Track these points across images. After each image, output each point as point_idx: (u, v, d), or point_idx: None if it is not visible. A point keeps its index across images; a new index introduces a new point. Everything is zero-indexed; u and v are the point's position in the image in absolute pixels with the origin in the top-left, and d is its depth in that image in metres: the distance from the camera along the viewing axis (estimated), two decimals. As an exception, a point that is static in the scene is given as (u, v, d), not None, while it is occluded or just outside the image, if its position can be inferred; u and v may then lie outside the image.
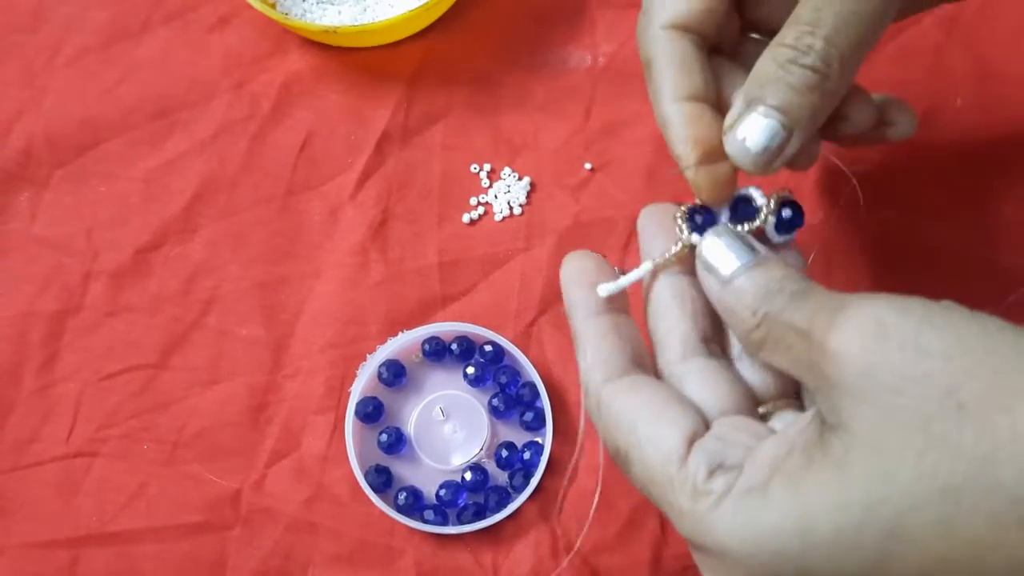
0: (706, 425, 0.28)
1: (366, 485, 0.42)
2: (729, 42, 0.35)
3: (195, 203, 0.47)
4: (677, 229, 0.31)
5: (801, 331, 0.26)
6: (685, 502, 0.26)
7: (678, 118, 0.31)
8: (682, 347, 0.31)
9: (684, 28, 0.31)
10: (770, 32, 0.31)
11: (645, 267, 0.31)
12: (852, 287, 0.44)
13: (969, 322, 0.24)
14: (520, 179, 0.47)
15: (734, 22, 0.34)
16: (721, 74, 0.33)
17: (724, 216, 0.32)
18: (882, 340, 0.24)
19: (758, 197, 0.32)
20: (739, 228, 0.31)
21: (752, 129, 0.30)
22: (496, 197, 0.47)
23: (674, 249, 0.31)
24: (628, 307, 0.32)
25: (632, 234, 0.46)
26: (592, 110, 0.48)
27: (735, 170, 0.31)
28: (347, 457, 0.42)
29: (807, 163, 0.33)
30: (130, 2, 0.50)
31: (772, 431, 0.28)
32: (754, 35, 0.35)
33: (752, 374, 0.31)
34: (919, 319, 0.24)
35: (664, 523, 0.42)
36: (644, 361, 0.31)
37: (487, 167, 0.47)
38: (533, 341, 0.45)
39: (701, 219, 0.32)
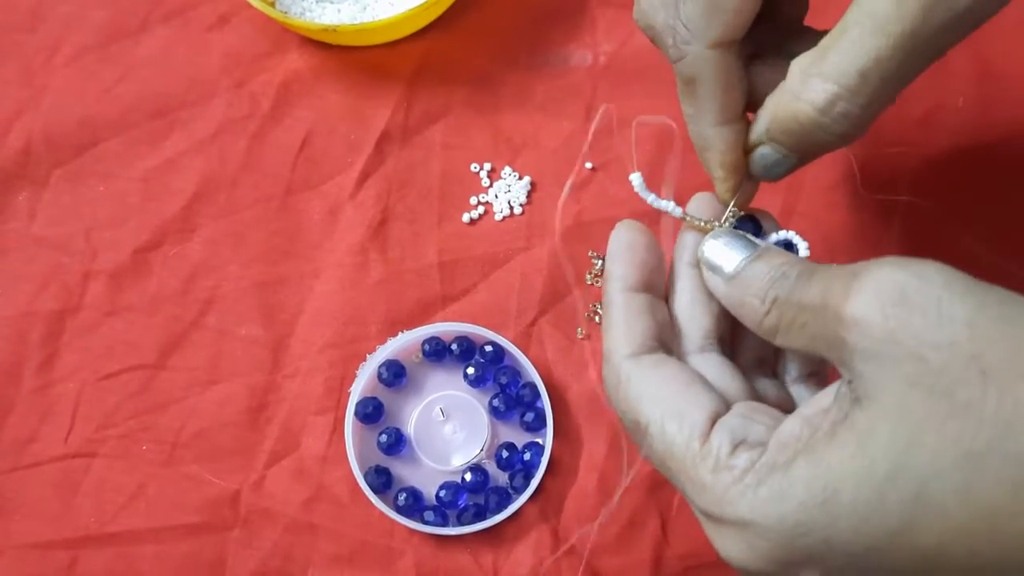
0: (727, 407, 0.29)
1: (366, 486, 0.42)
2: None
3: (194, 203, 0.47)
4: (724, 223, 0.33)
5: (815, 307, 0.26)
6: (707, 476, 0.26)
7: (720, 144, 0.32)
8: (702, 340, 0.32)
9: (730, 43, 0.31)
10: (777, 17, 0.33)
11: (676, 210, 0.33)
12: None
13: (988, 291, 0.24)
14: (520, 178, 0.47)
15: None
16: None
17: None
18: (904, 306, 0.24)
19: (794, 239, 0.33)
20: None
21: (770, 158, 0.31)
22: (496, 197, 0.47)
23: (716, 219, 0.33)
24: (663, 292, 0.32)
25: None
26: (592, 109, 0.48)
27: (756, 188, 0.33)
28: (347, 458, 0.42)
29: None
30: (129, 1, 0.50)
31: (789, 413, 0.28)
32: None
33: (758, 382, 0.32)
34: (941, 285, 0.24)
35: (664, 523, 0.42)
36: (670, 345, 0.31)
37: (487, 166, 0.47)
38: (533, 341, 0.45)
39: (750, 226, 0.33)
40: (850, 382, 0.25)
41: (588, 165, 0.47)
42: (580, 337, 0.45)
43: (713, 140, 0.32)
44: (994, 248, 0.45)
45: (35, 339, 0.45)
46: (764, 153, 0.31)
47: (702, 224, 0.33)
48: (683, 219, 0.33)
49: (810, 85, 0.29)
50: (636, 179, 0.33)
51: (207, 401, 0.44)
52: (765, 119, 0.31)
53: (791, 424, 0.26)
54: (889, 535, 0.24)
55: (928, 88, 0.46)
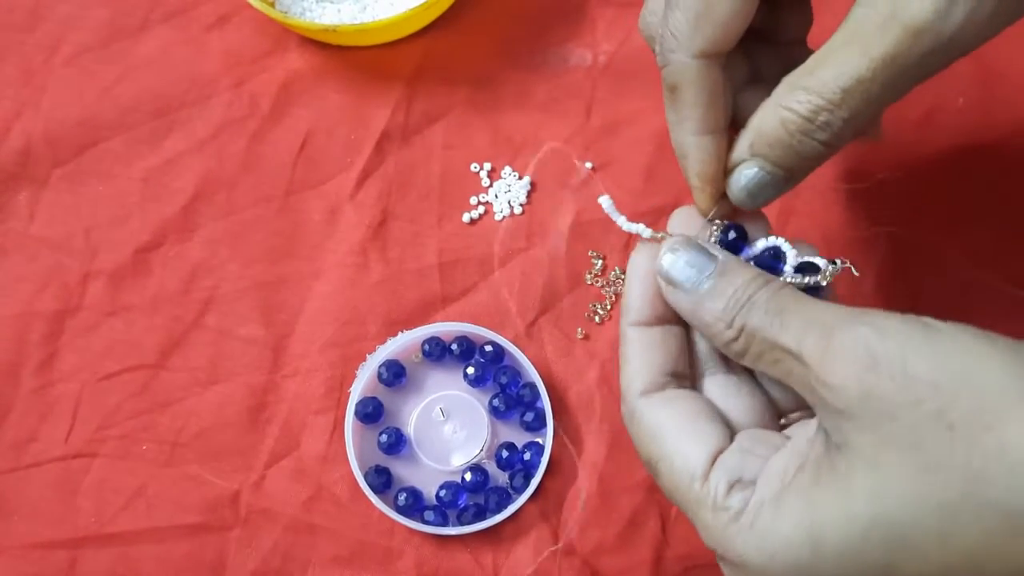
0: (731, 437, 0.30)
1: (366, 486, 0.42)
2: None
3: (194, 203, 0.47)
4: (710, 236, 0.33)
5: (790, 351, 0.27)
6: (708, 516, 0.28)
7: (698, 153, 0.32)
8: (715, 363, 0.33)
9: (716, 55, 0.31)
10: (771, 35, 0.33)
11: (646, 231, 0.33)
12: (855, 289, 0.44)
13: (953, 342, 0.25)
14: (520, 178, 0.47)
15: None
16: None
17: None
18: (875, 371, 0.25)
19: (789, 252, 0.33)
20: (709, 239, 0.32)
21: (753, 178, 0.31)
22: (496, 196, 0.47)
23: (681, 235, 0.32)
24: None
25: (632, 233, 0.46)
26: (592, 109, 0.48)
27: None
28: (347, 457, 0.42)
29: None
30: (129, 1, 0.50)
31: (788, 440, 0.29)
32: None
33: (772, 388, 0.32)
34: (903, 345, 0.25)
35: (664, 523, 0.42)
36: (684, 372, 0.32)
37: (487, 166, 0.47)
38: (533, 341, 0.45)
39: (734, 234, 0.33)
40: (826, 430, 0.27)
41: (588, 165, 0.47)
42: (580, 337, 0.45)
43: (691, 149, 0.32)
44: (994, 246, 0.45)
45: (35, 339, 0.45)
46: (747, 172, 0.31)
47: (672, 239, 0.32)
48: (658, 238, 0.33)
49: (795, 95, 0.29)
50: (605, 201, 0.33)
51: (207, 401, 0.44)
52: (749, 135, 0.31)
53: (780, 459, 0.28)
54: (873, 574, 0.25)
55: (928, 88, 0.46)
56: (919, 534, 0.24)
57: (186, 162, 0.47)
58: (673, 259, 0.31)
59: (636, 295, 0.32)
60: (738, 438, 0.30)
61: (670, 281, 0.31)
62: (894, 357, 0.25)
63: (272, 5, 0.47)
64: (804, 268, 0.32)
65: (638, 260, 0.32)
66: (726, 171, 0.32)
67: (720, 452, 0.29)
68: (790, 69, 0.30)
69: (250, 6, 0.47)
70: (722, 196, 0.33)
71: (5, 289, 0.46)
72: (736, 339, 0.29)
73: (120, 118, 0.48)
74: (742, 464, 0.28)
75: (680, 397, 0.31)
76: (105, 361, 0.45)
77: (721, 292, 0.29)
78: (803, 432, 0.28)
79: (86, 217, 0.47)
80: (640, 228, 0.33)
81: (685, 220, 0.33)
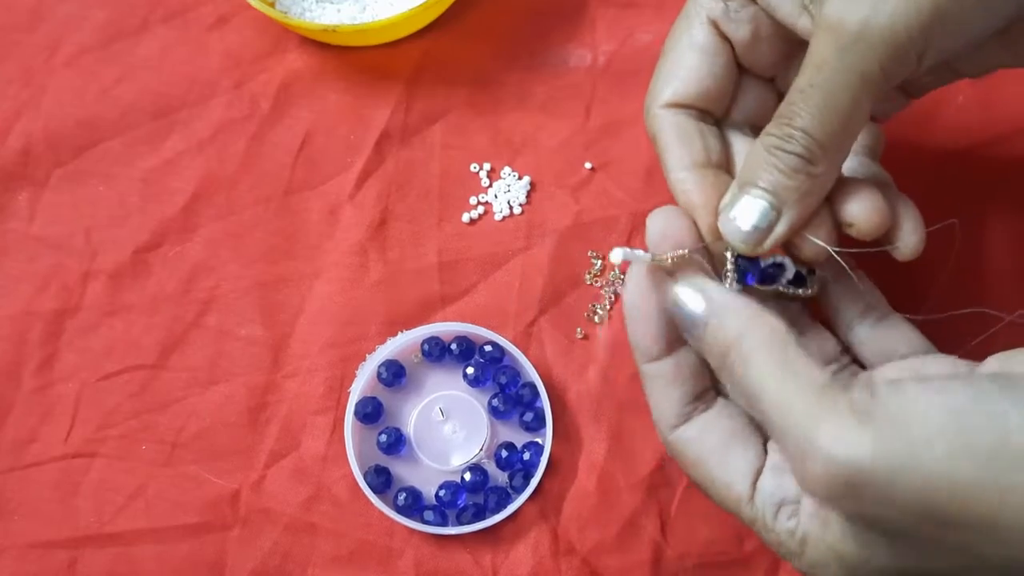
0: (764, 449, 0.31)
1: (365, 486, 0.42)
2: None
3: (194, 203, 0.47)
4: (728, 269, 0.33)
5: (773, 435, 0.29)
6: (763, 535, 0.31)
7: (687, 187, 0.34)
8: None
9: (682, 105, 0.35)
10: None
11: (645, 256, 0.33)
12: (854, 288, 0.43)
13: (910, 450, 0.25)
14: (520, 179, 0.47)
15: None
16: (733, 141, 0.36)
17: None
18: (857, 497, 0.26)
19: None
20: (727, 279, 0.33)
21: (743, 210, 0.31)
22: (496, 197, 0.47)
23: (680, 252, 0.33)
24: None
25: (632, 234, 0.46)
26: (592, 109, 0.48)
27: None
28: (346, 457, 0.42)
29: (812, 254, 0.33)
30: (129, 1, 0.50)
31: None
32: None
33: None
34: (886, 477, 0.25)
35: (664, 523, 0.42)
36: (707, 387, 0.33)
37: (487, 167, 0.47)
38: (533, 341, 0.45)
39: (744, 264, 0.33)
40: None
41: (588, 165, 0.47)
42: (579, 337, 0.45)
43: (675, 183, 0.34)
44: (994, 246, 0.45)
45: (35, 339, 0.45)
46: (742, 204, 0.31)
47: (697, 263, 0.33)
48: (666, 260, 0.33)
49: (768, 126, 0.31)
50: (617, 254, 0.32)
51: (207, 401, 0.44)
52: (739, 172, 0.32)
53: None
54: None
55: (928, 87, 0.46)
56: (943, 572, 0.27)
57: (186, 162, 0.48)
58: (673, 298, 0.32)
59: (639, 336, 0.33)
60: (770, 453, 0.31)
61: (682, 325, 0.32)
62: (877, 487, 0.25)
63: (272, 5, 0.47)
64: (797, 279, 0.34)
65: (632, 300, 0.33)
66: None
67: (757, 474, 0.31)
68: None
69: (250, 6, 0.47)
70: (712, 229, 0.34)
71: (5, 289, 0.46)
72: (734, 388, 0.30)
73: (120, 118, 0.48)
74: (780, 485, 0.30)
75: (708, 423, 0.32)
76: (105, 361, 0.45)
77: (707, 344, 0.30)
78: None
79: (86, 217, 0.47)
80: (668, 253, 0.33)
81: (663, 221, 0.34)
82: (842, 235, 0.34)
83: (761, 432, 0.32)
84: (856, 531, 0.28)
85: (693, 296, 0.31)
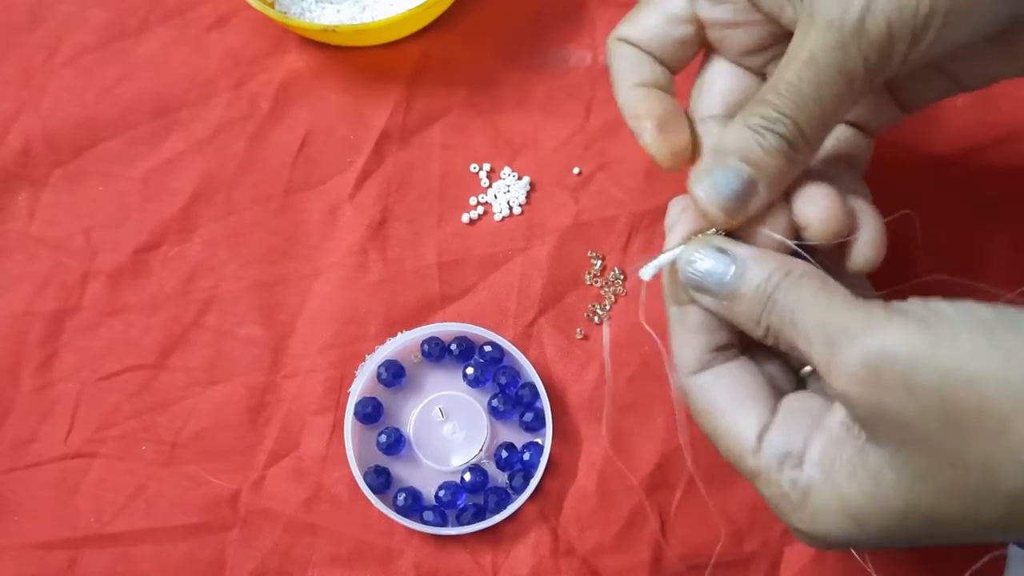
0: (774, 409, 0.32)
1: (365, 486, 0.42)
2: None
3: (194, 203, 0.47)
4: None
5: (808, 351, 0.29)
6: (764, 489, 0.31)
7: (630, 100, 0.35)
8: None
9: (633, 43, 0.36)
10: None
11: (668, 256, 0.33)
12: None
13: (954, 348, 0.26)
14: (520, 179, 0.47)
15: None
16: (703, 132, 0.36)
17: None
18: (878, 386, 0.27)
19: None
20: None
21: (723, 176, 0.31)
22: (496, 197, 0.47)
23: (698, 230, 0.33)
24: None
25: (632, 234, 0.46)
26: (592, 109, 0.48)
27: (691, 141, 0.35)
28: (346, 458, 0.42)
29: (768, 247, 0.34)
30: (129, 1, 0.50)
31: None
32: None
33: None
34: (908, 360, 0.26)
35: (664, 523, 0.42)
36: (730, 342, 0.33)
37: (487, 167, 0.47)
38: (533, 341, 0.45)
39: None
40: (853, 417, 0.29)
41: (584, 168, 0.47)
42: (579, 337, 0.45)
43: (623, 102, 0.35)
44: (993, 245, 0.45)
45: (34, 339, 0.45)
46: (721, 172, 0.31)
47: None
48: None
49: (751, 107, 0.32)
50: (647, 271, 0.33)
51: (207, 401, 0.44)
52: (715, 145, 0.32)
53: (820, 442, 0.30)
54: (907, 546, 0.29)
55: (928, 88, 0.46)
56: (948, 514, 0.27)
57: (186, 162, 0.47)
58: (694, 268, 0.32)
59: (674, 286, 0.33)
60: (780, 408, 0.31)
61: (697, 289, 0.32)
62: (898, 373, 0.26)
63: (271, 5, 0.47)
64: None
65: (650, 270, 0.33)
66: (670, 124, 0.34)
67: (767, 426, 0.31)
68: None
69: (250, 6, 0.47)
70: (677, 148, 0.34)
71: (4, 289, 0.46)
72: (766, 336, 0.31)
73: (120, 118, 0.48)
74: (788, 438, 0.30)
75: (726, 373, 0.33)
76: (104, 361, 0.45)
77: (743, 295, 0.31)
78: (837, 414, 0.30)
79: (86, 217, 0.47)
80: (673, 252, 0.33)
81: (680, 209, 0.34)
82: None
83: (775, 395, 0.32)
84: (863, 460, 0.28)
85: (717, 256, 0.31)
